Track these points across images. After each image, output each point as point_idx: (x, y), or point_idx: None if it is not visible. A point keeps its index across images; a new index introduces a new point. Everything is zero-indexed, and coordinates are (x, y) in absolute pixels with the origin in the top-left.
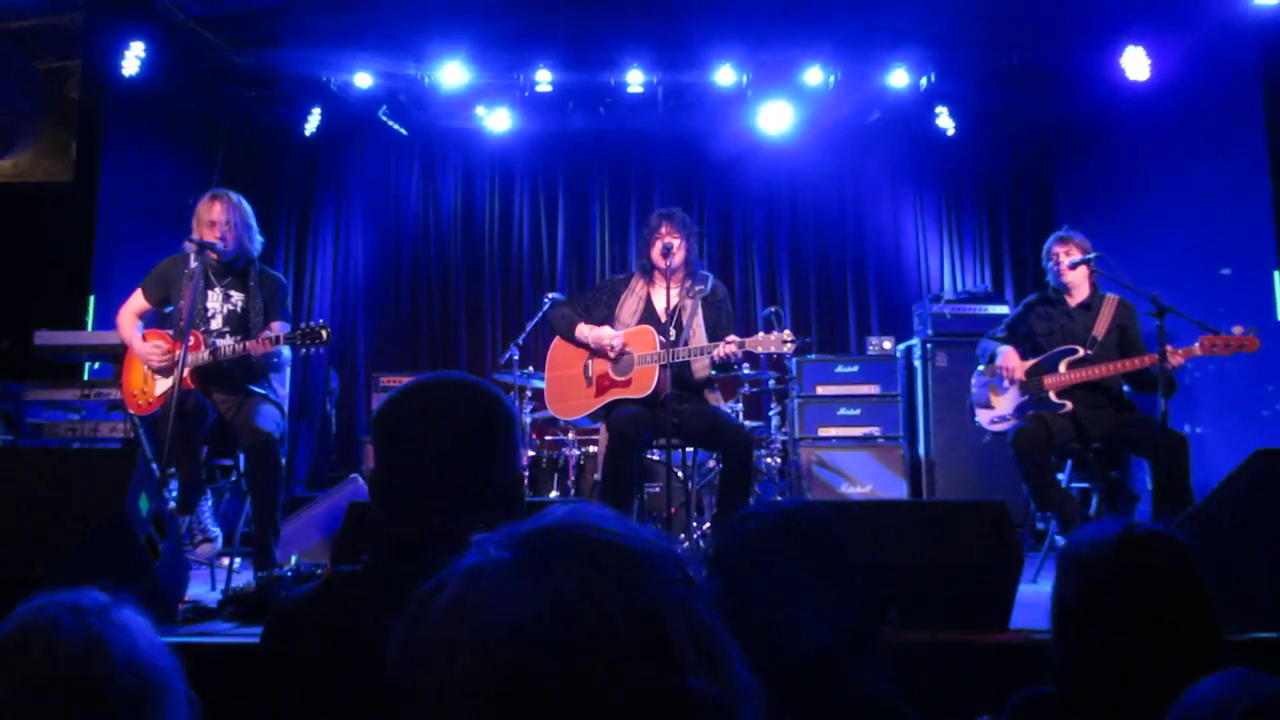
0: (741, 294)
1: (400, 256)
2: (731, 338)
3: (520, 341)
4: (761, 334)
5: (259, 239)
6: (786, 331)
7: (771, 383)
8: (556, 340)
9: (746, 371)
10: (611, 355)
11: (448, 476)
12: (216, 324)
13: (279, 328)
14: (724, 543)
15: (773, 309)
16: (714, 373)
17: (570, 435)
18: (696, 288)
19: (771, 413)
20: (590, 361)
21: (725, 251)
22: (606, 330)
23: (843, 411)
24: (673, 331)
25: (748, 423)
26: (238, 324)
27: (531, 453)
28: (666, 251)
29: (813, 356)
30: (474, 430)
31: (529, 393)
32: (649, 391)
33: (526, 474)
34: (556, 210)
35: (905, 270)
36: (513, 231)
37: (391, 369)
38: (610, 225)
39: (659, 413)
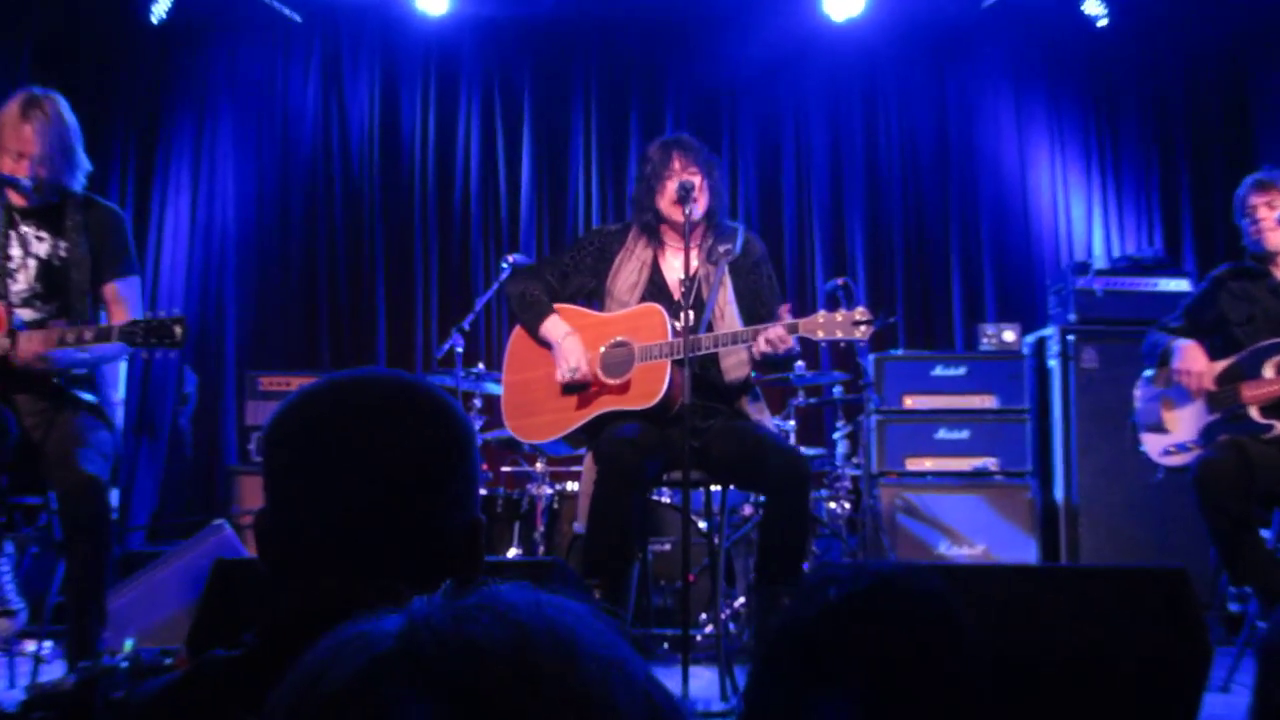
0: (793, 261)
1: (290, 200)
2: (777, 326)
3: (466, 326)
4: (823, 313)
5: (84, 164)
6: (859, 309)
7: (838, 390)
8: (518, 329)
9: (801, 373)
10: (569, 375)
11: (376, 522)
12: (20, 285)
13: (121, 292)
14: (786, 625)
15: (839, 281)
16: (753, 374)
17: (538, 466)
18: (723, 247)
19: (838, 435)
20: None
21: (769, 199)
22: (578, 355)
23: (943, 434)
24: (690, 314)
25: (804, 449)
26: (52, 285)
27: (483, 491)
28: (686, 195)
29: (899, 353)
30: (417, 455)
31: (477, 402)
32: (656, 401)
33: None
34: (520, 132)
35: (1035, 227)
36: (456, 163)
37: (277, 365)
38: (600, 156)
39: (671, 432)
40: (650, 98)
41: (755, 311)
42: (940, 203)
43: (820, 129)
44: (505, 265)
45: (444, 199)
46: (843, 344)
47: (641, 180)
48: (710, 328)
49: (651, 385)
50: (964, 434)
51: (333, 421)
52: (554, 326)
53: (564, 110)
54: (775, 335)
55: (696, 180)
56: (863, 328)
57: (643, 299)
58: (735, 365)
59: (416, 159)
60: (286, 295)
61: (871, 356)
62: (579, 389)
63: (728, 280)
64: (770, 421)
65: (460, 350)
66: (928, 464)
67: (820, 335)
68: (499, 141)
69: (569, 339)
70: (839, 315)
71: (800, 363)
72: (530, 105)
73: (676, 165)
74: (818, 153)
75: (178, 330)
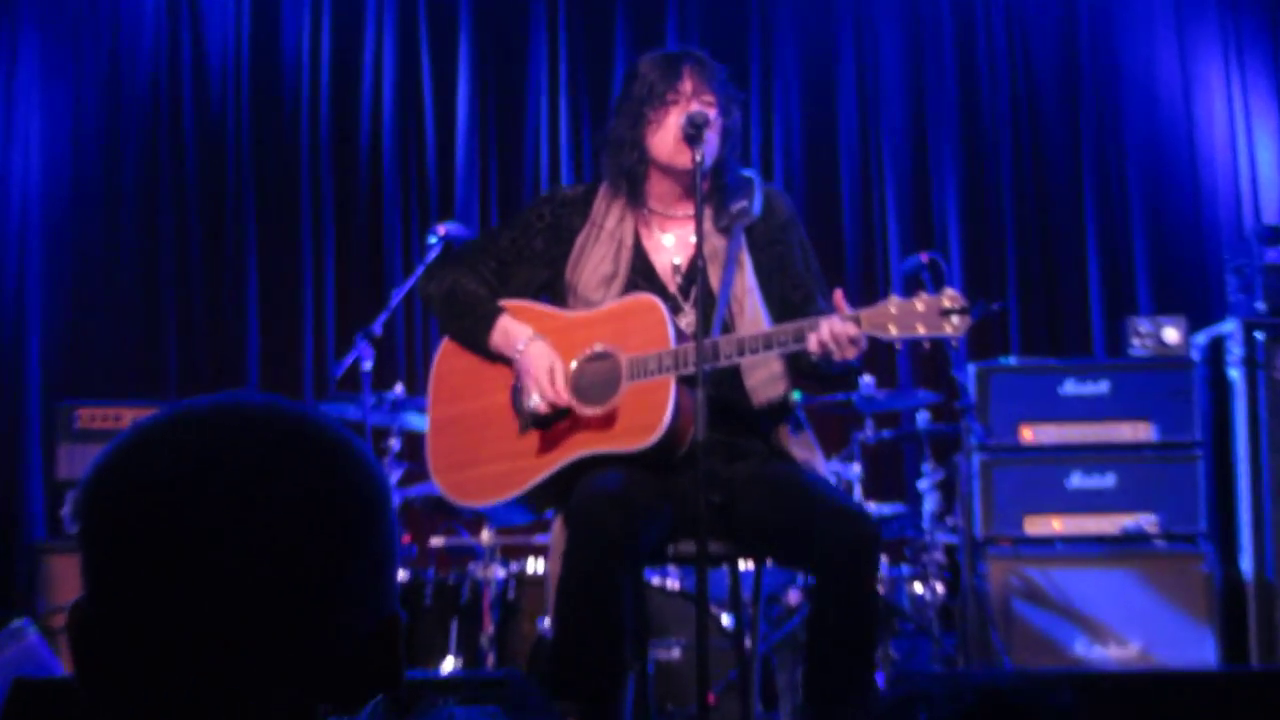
0: (854, 232)
1: (121, 150)
2: (835, 319)
3: (377, 331)
4: (895, 299)
5: None
6: (949, 292)
7: (923, 419)
8: (446, 343)
9: (868, 393)
10: (543, 404)
11: (245, 622)
12: None
13: None
14: None
15: (923, 257)
16: (796, 396)
17: (485, 538)
18: (734, 206)
19: (924, 484)
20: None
21: (819, 143)
22: (549, 372)
23: (1079, 481)
24: (688, 312)
25: (874, 505)
26: None
27: (404, 574)
28: (698, 131)
29: (1012, 362)
30: (303, 523)
31: (394, 443)
32: (656, 437)
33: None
34: (454, 51)
35: (1206, 178)
36: (362, 97)
37: (101, 393)
38: (570, 84)
39: (680, 483)
40: (640, 4)
41: (787, 297)
42: (1068, 146)
43: (893, 40)
44: (434, 240)
45: (344, 147)
46: (926, 344)
47: (626, 110)
48: (727, 328)
49: (649, 414)
50: (1108, 480)
51: (181, 476)
52: (510, 330)
53: (519, 19)
54: (840, 332)
55: (711, 113)
56: (955, 319)
57: (628, 289)
58: (766, 381)
59: (304, 91)
60: (115, 290)
61: (972, 368)
62: (545, 424)
63: (745, 256)
64: (823, 465)
65: (369, 367)
66: (1056, 525)
67: (893, 332)
68: (424, 65)
69: (534, 344)
70: (918, 302)
71: (867, 378)
72: (470, 11)
73: (687, 87)
74: (889, 75)
75: None
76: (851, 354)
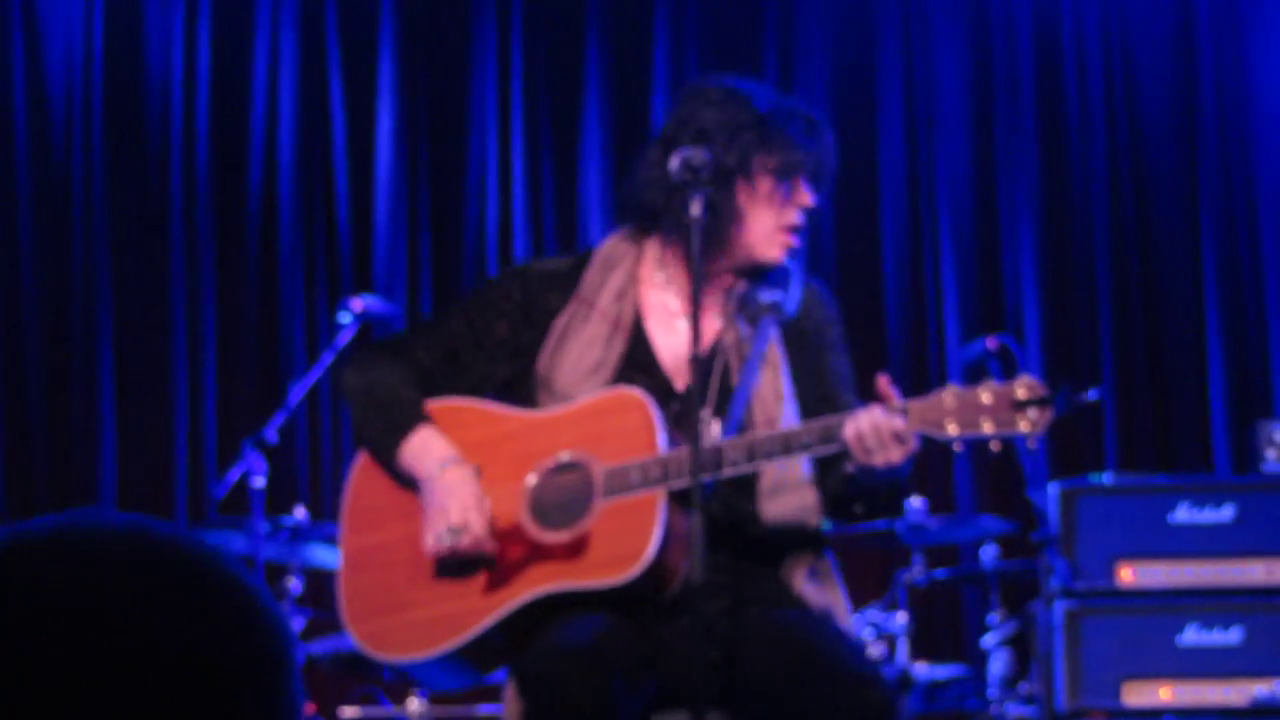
0: (899, 309)
1: None
2: (875, 410)
3: (270, 437)
4: (954, 388)
5: None
6: (1024, 379)
7: (990, 554)
8: (363, 457)
9: (916, 521)
10: (444, 542)
11: None
12: None
13: None
14: None
15: (989, 342)
16: (825, 526)
17: (412, 708)
18: (766, 298)
19: (990, 638)
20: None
21: (851, 193)
22: (476, 515)
23: (1195, 636)
24: (711, 423)
25: (922, 666)
26: None
27: None
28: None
29: (1107, 480)
30: (179, 693)
31: (294, 584)
32: (636, 571)
33: None
34: (373, 73)
35: None
36: (249, 132)
37: None
38: (524, 116)
39: (667, 634)
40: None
41: (814, 411)
42: (1182, 198)
43: (953, 61)
44: (347, 320)
45: (228, 198)
46: (994, 445)
47: (724, 140)
48: (742, 427)
49: (628, 540)
50: (1233, 635)
51: (10, 628)
52: (424, 448)
53: (459, 26)
54: (883, 425)
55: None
56: (1033, 413)
57: (618, 379)
58: (784, 497)
59: (175, 123)
60: None
61: (1055, 487)
62: (495, 552)
63: (778, 353)
64: (848, 615)
65: (260, 484)
66: (1165, 694)
67: (951, 430)
68: (334, 89)
69: (451, 471)
70: (984, 392)
71: (916, 501)
72: (395, 20)
73: (803, 163)
74: (947, 107)
75: None
76: (897, 457)
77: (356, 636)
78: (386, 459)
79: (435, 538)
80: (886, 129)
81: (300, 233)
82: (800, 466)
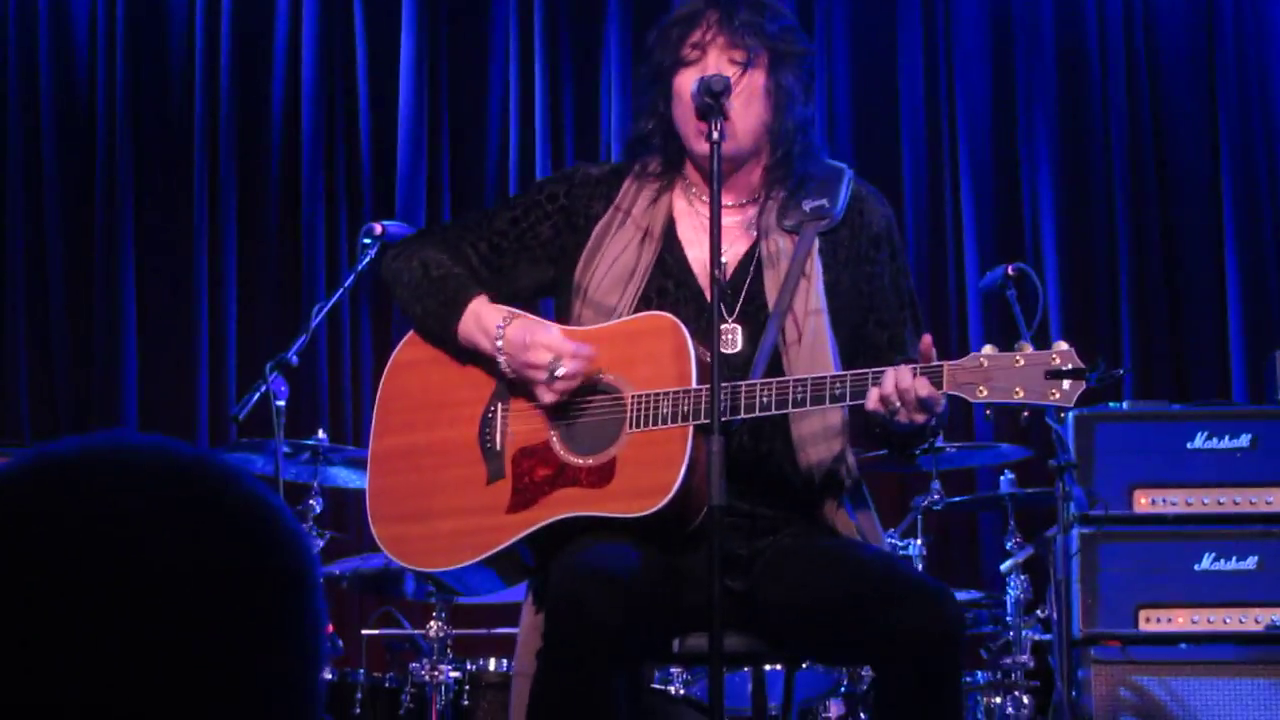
0: (919, 237)
1: None
2: (904, 371)
3: (293, 358)
4: (990, 351)
5: None
6: (1061, 346)
7: (1007, 480)
8: (409, 339)
9: (936, 444)
10: (545, 382)
11: None
12: None
13: None
14: None
15: (1008, 269)
16: (850, 457)
17: (432, 629)
18: (809, 204)
19: (1008, 567)
20: (500, 406)
21: (871, 121)
22: (548, 334)
23: (1210, 563)
24: (737, 332)
25: (956, 591)
26: None
27: (328, 674)
28: (715, 99)
29: (1123, 407)
30: (203, 605)
31: (314, 504)
32: (663, 502)
33: None
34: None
35: None
36: (271, 58)
37: None
38: (544, 44)
39: (690, 563)
40: None
41: (866, 335)
42: (1200, 128)
43: None
44: (368, 242)
45: (250, 125)
46: (1024, 415)
47: (645, 71)
48: (776, 364)
49: (655, 473)
50: (1249, 562)
51: (40, 542)
52: (482, 314)
53: None
54: (908, 388)
55: (735, 73)
56: (1066, 384)
57: (643, 304)
58: (820, 436)
59: (198, 51)
60: None
61: (1072, 415)
62: (517, 464)
63: (815, 265)
64: (880, 536)
65: (282, 405)
66: (1180, 619)
67: (983, 394)
68: (356, 14)
69: (514, 325)
70: (1019, 357)
71: (941, 438)
72: None
73: (705, 38)
74: (967, 38)
75: None
76: (921, 418)
77: (380, 537)
78: (444, 331)
79: (544, 384)
80: (906, 56)
81: (321, 156)
82: (835, 414)
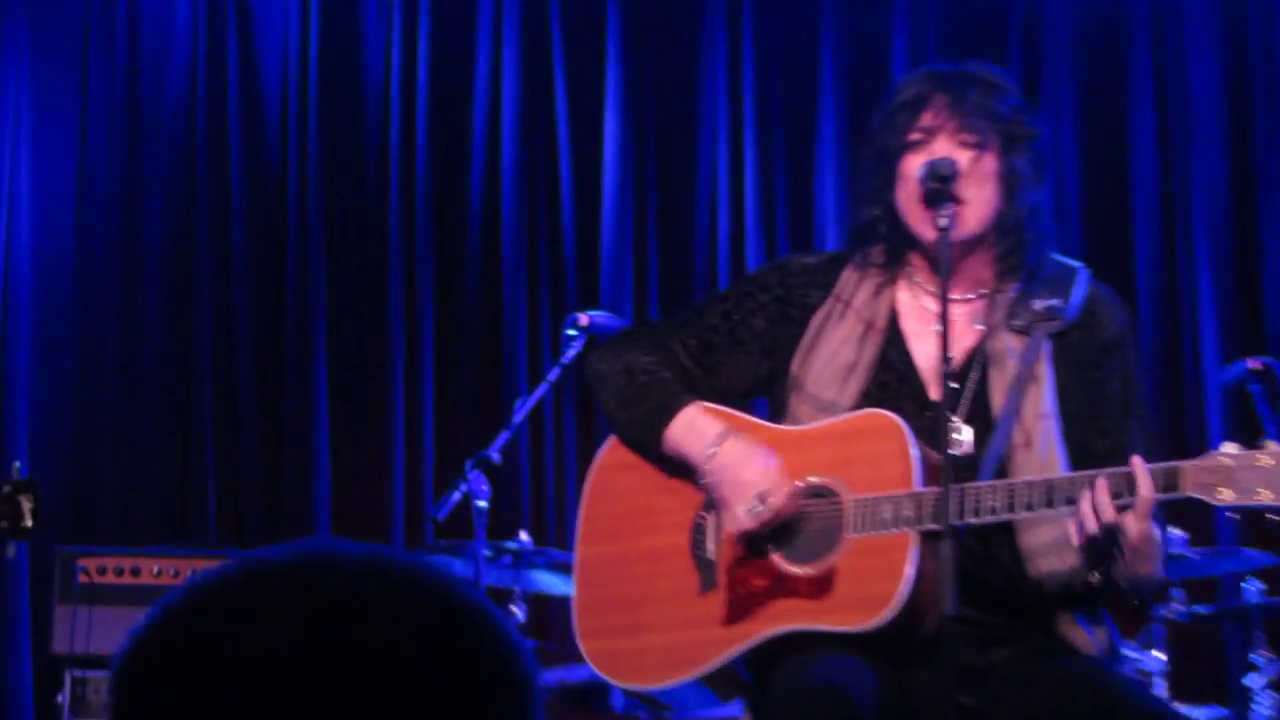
0: (1152, 322)
1: (144, 214)
2: (1106, 487)
3: (494, 456)
4: (1231, 448)
5: None
6: None
7: (1254, 588)
8: (610, 446)
9: (1174, 547)
10: (753, 517)
11: None
12: None
13: None
14: None
15: (1251, 363)
16: (1092, 574)
17: None
18: (1040, 304)
19: (1254, 679)
20: (713, 513)
21: (1101, 192)
22: (763, 466)
23: None
24: (964, 433)
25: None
26: None
27: None
28: (942, 185)
29: None
30: (428, 718)
31: (517, 612)
32: (886, 615)
33: None
34: (599, 73)
35: None
36: (471, 136)
37: (115, 538)
38: (756, 119)
39: (918, 678)
40: None
41: (1089, 445)
42: None
43: (1202, 43)
44: (574, 334)
45: (448, 205)
46: (1272, 519)
47: (868, 152)
48: (1003, 469)
49: (878, 582)
50: None
51: (261, 659)
52: (695, 425)
53: (688, 24)
54: (1099, 504)
55: (966, 157)
56: None
57: (865, 399)
58: (1051, 547)
59: (394, 127)
60: (133, 397)
61: None
62: (732, 578)
63: (1046, 368)
64: (1116, 653)
65: (483, 505)
66: None
67: (1226, 496)
68: (558, 93)
69: (731, 443)
70: (1265, 456)
71: (1177, 531)
72: (621, 20)
73: (932, 120)
74: (1201, 94)
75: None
76: (1132, 533)
77: (588, 653)
78: (650, 442)
79: (745, 513)
80: (1138, 134)
81: (523, 243)
82: (1067, 514)
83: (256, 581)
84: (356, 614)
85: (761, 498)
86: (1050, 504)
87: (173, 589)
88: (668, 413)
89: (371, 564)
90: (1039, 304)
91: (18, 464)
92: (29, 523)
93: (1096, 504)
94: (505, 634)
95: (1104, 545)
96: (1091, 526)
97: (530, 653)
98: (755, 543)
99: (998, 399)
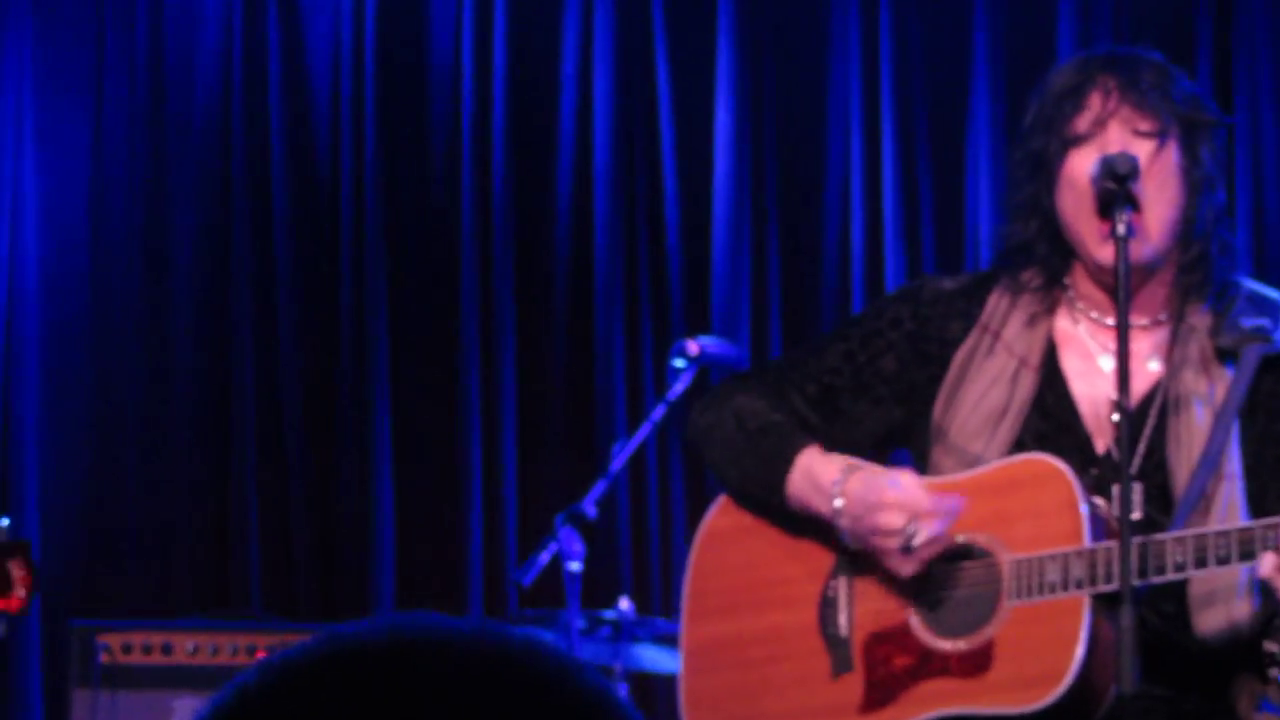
0: None
1: (170, 222)
2: None
3: (589, 511)
4: None
5: None
6: None
7: None
8: (721, 504)
9: None
10: (900, 551)
11: None
12: None
13: None
14: None
15: None
16: (1270, 645)
17: None
18: (1248, 321)
19: None
20: (844, 582)
21: None
22: (899, 489)
23: None
24: (1137, 492)
25: None
26: None
27: None
28: (1117, 187)
29: None
30: None
31: (617, 689)
32: (1057, 694)
33: None
34: (710, 59)
35: None
36: (556, 134)
37: (140, 609)
38: (895, 114)
39: None
40: None
41: (1267, 509)
42: None
43: None
44: (681, 365)
45: (530, 214)
46: None
47: (1020, 154)
48: (1190, 518)
49: (1046, 656)
50: None
51: None
52: (813, 470)
53: (811, 12)
54: None
55: (1146, 150)
56: None
57: (1017, 449)
58: (1218, 607)
59: (465, 123)
60: (159, 440)
61: None
62: (868, 654)
63: (1234, 415)
64: None
65: (576, 568)
66: None
67: None
68: (661, 84)
69: (855, 478)
70: None
71: None
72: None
73: (1098, 108)
74: None
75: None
76: None
77: None
78: (768, 496)
79: (900, 556)
80: None
81: (619, 257)
82: (1237, 571)
83: (347, 662)
84: (465, 703)
85: (909, 534)
86: (1245, 557)
87: (213, 669)
88: (784, 462)
89: (480, 643)
90: (1249, 322)
91: (5, 522)
92: (21, 594)
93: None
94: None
95: None
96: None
97: None
98: (897, 613)
99: (1174, 454)
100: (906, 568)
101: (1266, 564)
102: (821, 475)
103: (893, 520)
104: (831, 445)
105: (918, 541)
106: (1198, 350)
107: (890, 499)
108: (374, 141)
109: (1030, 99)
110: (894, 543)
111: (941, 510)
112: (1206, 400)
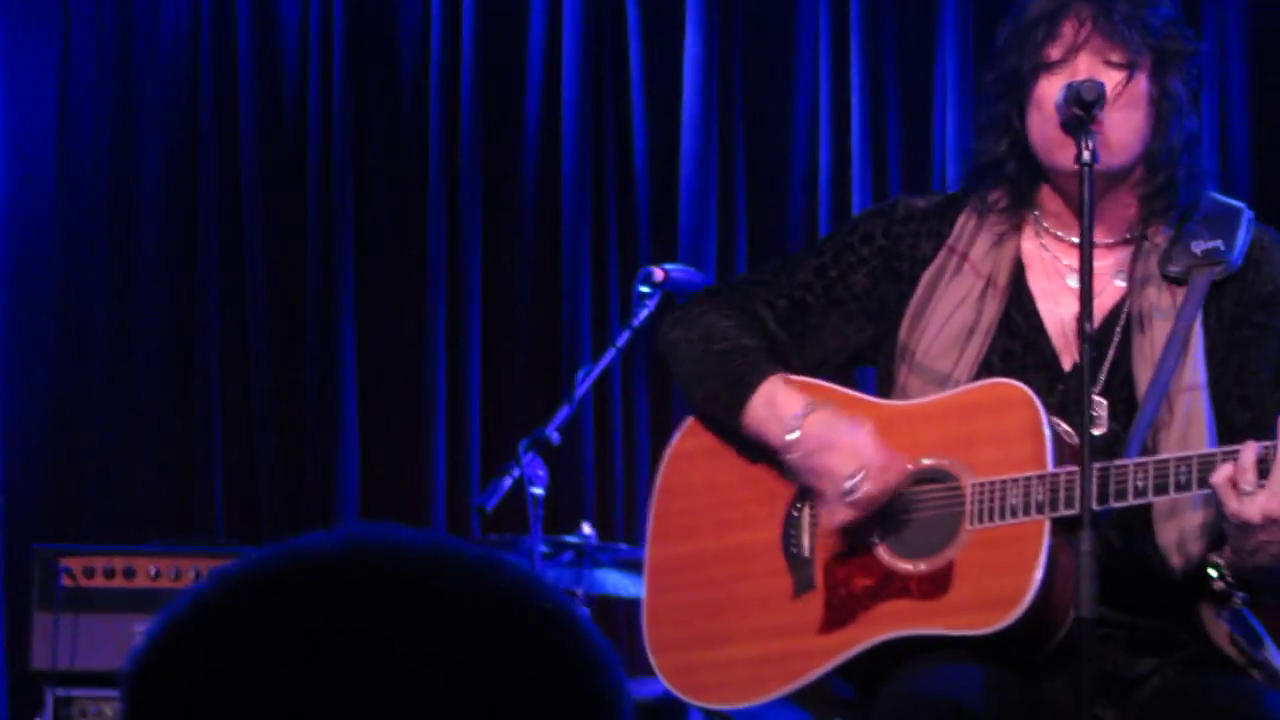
0: None
1: (139, 157)
2: (1249, 451)
3: (553, 435)
4: None
5: None
6: None
7: None
8: (688, 426)
9: None
10: (838, 496)
11: None
12: None
13: None
14: None
15: None
16: (1216, 572)
17: None
18: (1198, 246)
19: None
20: (809, 503)
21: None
22: (856, 436)
23: None
24: (1103, 409)
25: None
26: None
27: None
28: (1085, 111)
29: None
30: None
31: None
32: (1014, 615)
33: None
34: None
35: None
36: (524, 57)
37: (104, 535)
38: (862, 43)
39: (1051, 689)
40: None
41: (1229, 419)
42: None
43: None
44: (646, 290)
45: (497, 142)
46: None
47: (993, 76)
48: (1152, 444)
49: (1005, 578)
50: None
51: (325, 662)
52: (776, 401)
53: None
54: (1241, 468)
55: (1116, 78)
56: None
57: (984, 370)
58: (1186, 534)
59: (434, 47)
60: (124, 371)
61: None
62: (828, 577)
63: (1197, 329)
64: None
65: (539, 493)
66: None
67: None
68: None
69: (814, 418)
70: None
71: None
72: None
73: (1073, 36)
74: None
75: None
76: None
77: (660, 668)
78: (730, 419)
79: (839, 500)
80: None
81: (586, 187)
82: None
83: (303, 574)
84: (420, 614)
85: (855, 477)
86: (1205, 484)
87: (176, 593)
88: (747, 387)
89: (437, 556)
90: (1199, 246)
91: None
92: None
93: (1237, 474)
94: (592, 642)
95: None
96: (1232, 505)
97: (619, 664)
98: (858, 535)
99: (1140, 368)
100: (839, 514)
101: (1220, 474)
102: (784, 406)
103: (843, 464)
104: (800, 363)
105: (859, 494)
106: (1157, 268)
107: (845, 443)
108: (341, 65)
109: (1005, 19)
110: (836, 486)
111: (891, 470)
112: (1169, 314)
